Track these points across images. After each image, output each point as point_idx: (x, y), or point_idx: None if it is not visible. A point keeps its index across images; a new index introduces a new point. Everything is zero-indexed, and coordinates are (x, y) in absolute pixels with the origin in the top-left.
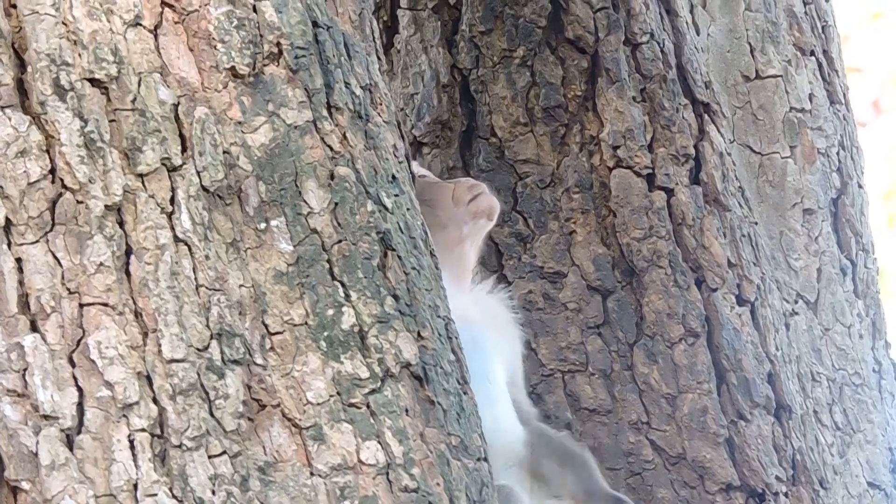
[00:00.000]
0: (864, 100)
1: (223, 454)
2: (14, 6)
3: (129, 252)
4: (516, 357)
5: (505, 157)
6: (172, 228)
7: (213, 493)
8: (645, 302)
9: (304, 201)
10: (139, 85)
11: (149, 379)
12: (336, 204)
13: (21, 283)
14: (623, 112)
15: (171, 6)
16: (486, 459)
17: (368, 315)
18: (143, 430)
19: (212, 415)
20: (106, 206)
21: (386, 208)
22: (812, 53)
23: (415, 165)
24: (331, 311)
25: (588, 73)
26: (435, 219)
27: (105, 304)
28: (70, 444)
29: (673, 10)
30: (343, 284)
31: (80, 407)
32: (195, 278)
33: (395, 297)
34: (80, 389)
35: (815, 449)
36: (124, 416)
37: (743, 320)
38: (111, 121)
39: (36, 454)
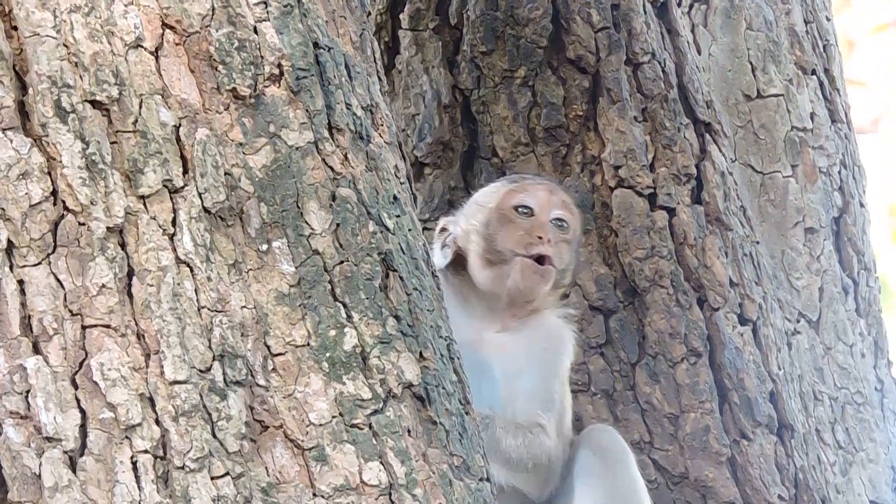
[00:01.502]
0: (867, 113)
1: (226, 475)
2: (15, 28)
3: (131, 274)
4: (531, 375)
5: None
6: (174, 250)
7: None
8: (647, 322)
9: (306, 222)
10: (140, 107)
11: (151, 400)
12: (338, 225)
13: (23, 305)
14: (624, 132)
15: (172, 28)
16: (488, 479)
17: (370, 336)
18: (145, 451)
19: (214, 436)
20: (108, 228)
21: (387, 229)
22: (813, 72)
23: (537, 191)
24: (333, 332)
25: (589, 93)
26: (482, 255)
27: (107, 326)
28: (73, 466)
29: (674, 29)
30: (345, 305)
31: (83, 429)
32: (197, 300)
33: (397, 318)
34: (82, 411)
35: (818, 468)
36: (127, 437)
37: (745, 339)
38: (113, 143)
39: (39, 476)
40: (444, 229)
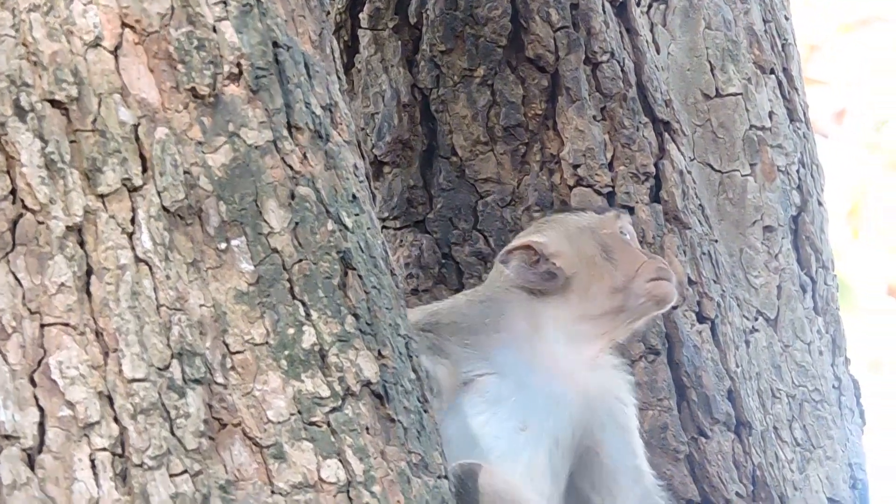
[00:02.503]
0: (829, 113)
1: (184, 473)
2: None
3: (89, 272)
4: (614, 431)
5: (465, 176)
6: (133, 248)
7: None
8: None
9: (265, 221)
10: (99, 106)
11: (110, 398)
12: (296, 223)
13: None
14: (583, 131)
15: (131, 27)
16: (446, 477)
17: (329, 334)
18: (104, 449)
19: (173, 434)
20: (67, 227)
21: (346, 227)
22: (772, 71)
23: (626, 221)
24: (291, 330)
25: (548, 92)
26: (610, 279)
27: (66, 325)
28: (31, 464)
29: (633, 28)
30: (303, 303)
31: (42, 427)
32: (156, 298)
33: (356, 316)
34: (41, 409)
35: (776, 465)
36: (85, 435)
37: (703, 337)
38: (72, 141)
39: None
40: (529, 248)
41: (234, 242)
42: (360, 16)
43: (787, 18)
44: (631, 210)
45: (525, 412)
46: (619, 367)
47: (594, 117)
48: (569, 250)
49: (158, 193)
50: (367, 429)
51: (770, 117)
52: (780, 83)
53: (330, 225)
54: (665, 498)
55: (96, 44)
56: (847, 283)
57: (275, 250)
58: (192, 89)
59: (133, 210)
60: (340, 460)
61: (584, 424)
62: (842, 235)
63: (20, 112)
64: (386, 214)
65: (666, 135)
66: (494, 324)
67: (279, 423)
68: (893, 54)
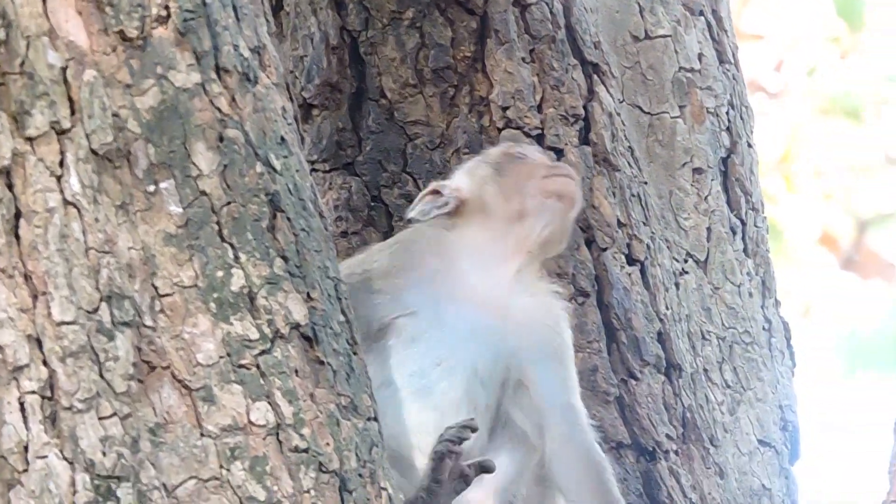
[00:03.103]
0: (765, 66)
1: (113, 416)
2: None
3: (18, 215)
4: (544, 362)
5: (394, 119)
6: (62, 191)
7: (104, 454)
8: None
9: (193, 164)
10: (27, 48)
11: (39, 342)
12: (225, 166)
13: None
14: (512, 73)
15: None
16: (376, 419)
17: (258, 276)
18: (33, 392)
19: (102, 377)
20: None
21: (275, 170)
22: (701, 13)
23: (526, 145)
24: (220, 273)
25: (477, 34)
26: (503, 187)
27: None
28: None
29: None
30: (232, 246)
31: None
32: (85, 241)
33: (285, 259)
34: None
35: (706, 407)
36: (14, 378)
37: (633, 280)
38: (0, 84)
39: None
40: (436, 192)
41: (162, 185)
42: None
43: None
44: (560, 152)
45: (441, 347)
46: (555, 294)
47: (523, 59)
48: (466, 180)
49: (87, 136)
50: (297, 371)
51: (699, 59)
52: (709, 25)
53: (258, 167)
54: (598, 437)
55: None
56: (780, 231)
57: (203, 193)
58: (121, 32)
59: (62, 153)
60: (270, 403)
61: (511, 353)
62: (776, 185)
63: None
64: (315, 157)
65: (595, 77)
66: (405, 264)
67: (208, 365)
68: (824, 3)
